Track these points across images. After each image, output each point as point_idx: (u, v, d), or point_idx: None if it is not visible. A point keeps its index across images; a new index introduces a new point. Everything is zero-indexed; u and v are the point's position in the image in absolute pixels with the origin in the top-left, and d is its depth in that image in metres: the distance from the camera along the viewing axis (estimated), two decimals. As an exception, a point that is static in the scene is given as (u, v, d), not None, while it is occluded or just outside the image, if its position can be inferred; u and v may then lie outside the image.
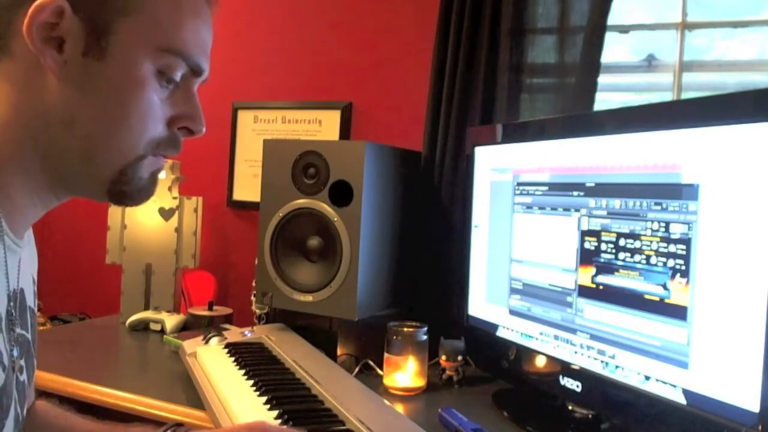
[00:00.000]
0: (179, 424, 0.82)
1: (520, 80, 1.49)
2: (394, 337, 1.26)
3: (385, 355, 1.27)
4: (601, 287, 1.01)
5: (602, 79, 1.40)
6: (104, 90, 0.56)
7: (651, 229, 0.92)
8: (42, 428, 0.80)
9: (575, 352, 1.06)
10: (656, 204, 0.92)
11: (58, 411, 0.84)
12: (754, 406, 0.77)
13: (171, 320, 1.58)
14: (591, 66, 1.40)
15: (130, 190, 0.60)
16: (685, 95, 1.52)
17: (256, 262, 1.42)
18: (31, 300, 0.69)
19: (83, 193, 0.62)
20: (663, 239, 0.90)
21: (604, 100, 1.51)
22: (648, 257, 0.92)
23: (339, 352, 1.37)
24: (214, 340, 1.31)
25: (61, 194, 0.62)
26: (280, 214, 1.36)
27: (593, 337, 1.02)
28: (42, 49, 0.54)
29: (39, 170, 0.58)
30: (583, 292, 1.04)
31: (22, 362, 0.63)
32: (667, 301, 0.89)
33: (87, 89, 0.56)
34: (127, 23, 0.56)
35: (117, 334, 1.62)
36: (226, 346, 1.27)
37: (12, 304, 0.60)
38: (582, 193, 1.05)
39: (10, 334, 0.60)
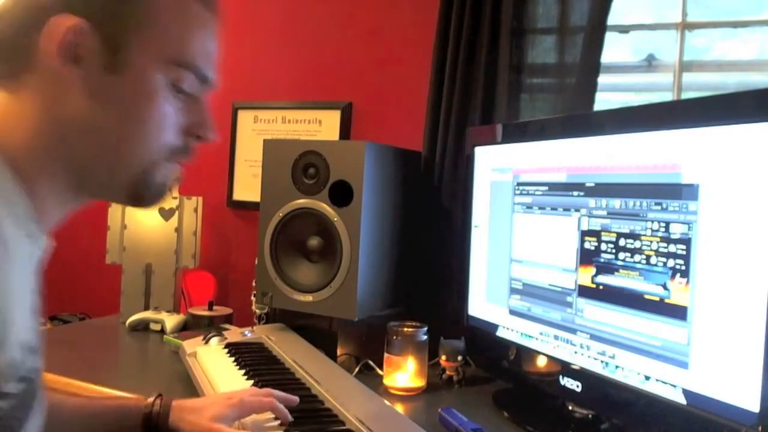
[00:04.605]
0: (160, 395, 0.89)
1: (520, 80, 1.49)
2: (394, 337, 1.26)
3: (385, 355, 1.27)
4: (601, 287, 1.01)
5: (602, 79, 1.40)
6: (121, 101, 0.60)
7: (651, 229, 0.92)
8: None
9: (575, 352, 1.06)
10: (656, 204, 0.92)
11: None
12: (754, 406, 0.77)
13: (171, 320, 1.58)
14: (591, 66, 1.39)
15: (147, 194, 0.65)
16: (685, 95, 1.52)
17: (256, 262, 1.42)
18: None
19: (104, 196, 0.67)
20: (663, 239, 0.90)
21: (604, 100, 1.51)
22: (648, 257, 0.92)
23: (339, 352, 1.37)
24: (214, 340, 1.31)
25: (82, 197, 0.66)
26: (280, 214, 1.36)
27: (593, 337, 1.02)
28: (63, 65, 0.57)
29: (63, 175, 0.61)
30: (583, 292, 1.04)
31: None
32: (667, 301, 0.89)
33: (105, 101, 0.59)
34: (140, 39, 0.59)
35: (117, 334, 1.62)
36: (226, 346, 1.28)
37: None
38: (582, 193, 1.05)
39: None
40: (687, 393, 0.86)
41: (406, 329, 1.27)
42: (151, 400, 0.88)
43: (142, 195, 0.65)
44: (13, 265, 0.53)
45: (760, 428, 0.76)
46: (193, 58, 0.62)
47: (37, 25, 0.57)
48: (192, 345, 1.29)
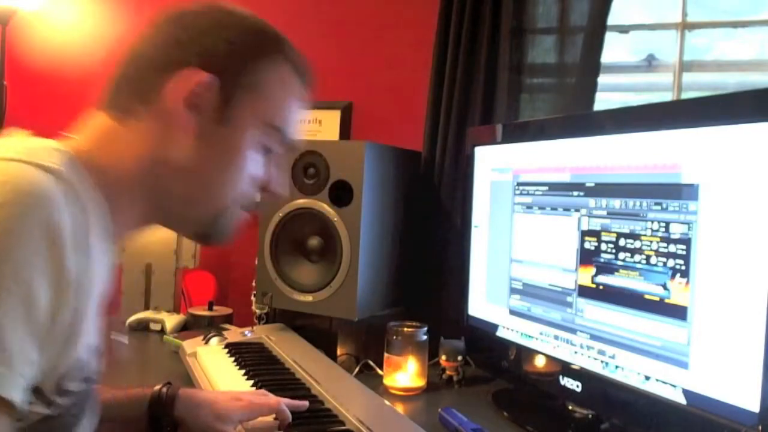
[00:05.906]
0: (169, 383, 0.92)
1: (520, 80, 1.49)
2: (394, 337, 1.26)
3: (385, 355, 1.27)
4: (601, 287, 1.00)
5: (602, 79, 1.40)
6: (219, 149, 0.68)
7: (651, 229, 0.92)
8: None
9: (575, 352, 1.06)
10: (656, 204, 0.92)
11: None
12: (754, 406, 0.77)
13: (171, 320, 1.58)
14: (591, 66, 1.40)
15: (213, 233, 0.72)
16: (685, 95, 1.53)
17: (256, 262, 1.42)
18: None
19: (173, 227, 0.74)
20: (663, 239, 0.90)
21: (604, 100, 1.51)
22: (648, 257, 0.92)
23: (339, 352, 1.37)
24: (214, 340, 1.31)
25: (152, 224, 0.73)
26: (280, 214, 1.36)
27: (593, 337, 1.02)
28: (184, 110, 0.65)
29: (146, 204, 0.69)
30: (583, 292, 1.04)
31: None
32: (667, 301, 0.89)
33: (207, 146, 0.67)
34: (248, 98, 0.68)
35: (117, 334, 1.62)
36: (226, 346, 1.27)
37: None
38: (582, 193, 1.05)
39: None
40: (687, 393, 0.86)
41: (406, 329, 1.27)
42: (158, 387, 0.90)
43: (209, 233, 0.72)
44: (93, 272, 0.57)
45: (760, 428, 0.76)
46: (284, 123, 0.71)
47: (167, 71, 0.65)
48: (192, 345, 1.29)
